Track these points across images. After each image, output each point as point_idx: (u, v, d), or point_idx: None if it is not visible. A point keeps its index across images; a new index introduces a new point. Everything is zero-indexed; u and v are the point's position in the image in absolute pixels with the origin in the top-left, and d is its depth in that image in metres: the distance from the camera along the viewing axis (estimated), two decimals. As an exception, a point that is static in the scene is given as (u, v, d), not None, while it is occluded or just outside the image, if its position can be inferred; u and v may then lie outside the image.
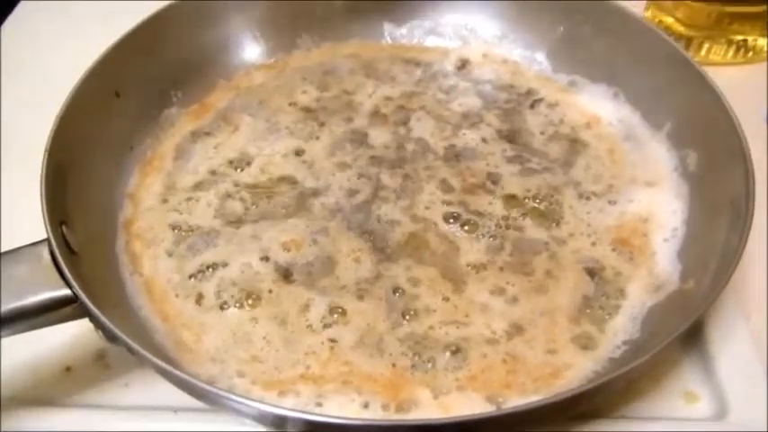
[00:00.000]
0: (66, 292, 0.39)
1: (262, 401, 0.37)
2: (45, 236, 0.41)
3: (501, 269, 0.49)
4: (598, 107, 0.60)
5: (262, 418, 0.39)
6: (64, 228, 0.43)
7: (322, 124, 0.59)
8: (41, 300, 0.39)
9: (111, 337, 0.38)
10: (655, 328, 0.45)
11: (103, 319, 0.37)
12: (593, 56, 0.61)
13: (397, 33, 0.67)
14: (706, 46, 0.70)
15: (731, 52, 0.70)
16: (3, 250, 0.41)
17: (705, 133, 0.51)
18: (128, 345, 0.37)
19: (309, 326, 0.46)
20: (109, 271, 0.48)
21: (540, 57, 0.64)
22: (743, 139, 0.47)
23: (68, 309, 0.39)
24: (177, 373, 0.36)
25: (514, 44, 0.65)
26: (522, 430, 0.40)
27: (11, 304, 0.38)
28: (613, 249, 0.50)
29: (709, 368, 0.46)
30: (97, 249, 0.48)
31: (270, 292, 0.48)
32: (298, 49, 0.66)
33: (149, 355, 0.37)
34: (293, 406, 0.42)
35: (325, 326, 0.46)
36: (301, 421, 0.37)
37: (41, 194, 0.42)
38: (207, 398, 0.39)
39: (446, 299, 0.47)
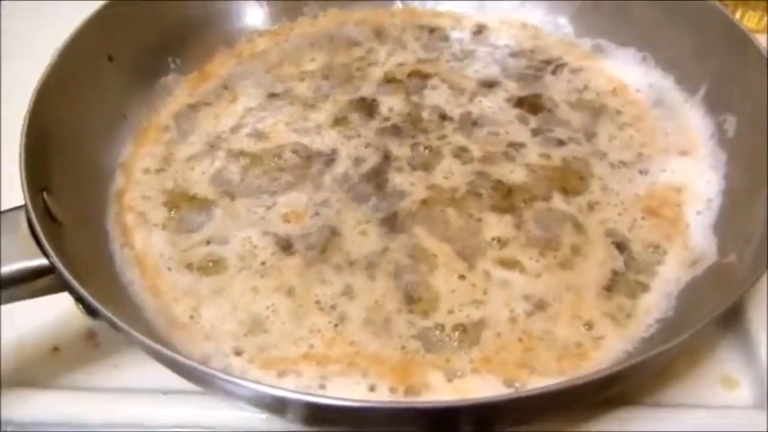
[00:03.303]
0: (44, 261, 0.36)
1: (258, 382, 0.34)
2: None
3: (524, 243, 0.45)
4: (625, 72, 0.56)
5: (258, 401, 0.35)
6: (45, 194, 0.40)
7: (329, 93, 0.56)
8: (17, 269, 0.36)
9: (91, 311, 0.35)
10: (691, 306, 0.41)
11: (82, 290, 0.34)
12: (621, 18, 0.57)
13: (409, -2, 0.63)
14: (740, 12, 0.66)
15: (765, 19, 0.66)
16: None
17: (746, 96, 0.47)
18: (109, 319, 0.34)
19: (313, 302, 0.43)
20: (97, 243, 0.45)
21: (563, 21, 0.60)
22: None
23: (46, 279, 0.36)
24: (163, 350, 0.33)
25: (535, 8, 0.61)
26: (545, 414, 0.36)
27: (-14, 273, 0.35)
28: (644, 221, 0.46)
29: (749, 351, 0.43)
30: (85, 220, 0.45)
31: (269, 265, 0.44)
32: (304, 15, 0.62)
33: (133, 331, 0.33)
34: (294, 387, 0.39)
35: (330, 303, 0.43)
36: (302, 404, 0.33)
37: (20, 158, 0.40)
38: (198, 379, 0.36)
39: (462, 276, 0.44)
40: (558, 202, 0.47)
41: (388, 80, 0.57)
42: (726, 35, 0.49)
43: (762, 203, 0.42)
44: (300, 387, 0.39)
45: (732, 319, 0.44)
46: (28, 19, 0.69)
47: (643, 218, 0.47)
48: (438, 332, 0.41)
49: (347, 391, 0.38)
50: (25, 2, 0.70)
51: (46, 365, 0.44)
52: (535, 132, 0.52)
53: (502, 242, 0.45)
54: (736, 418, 0.41)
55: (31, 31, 0.68)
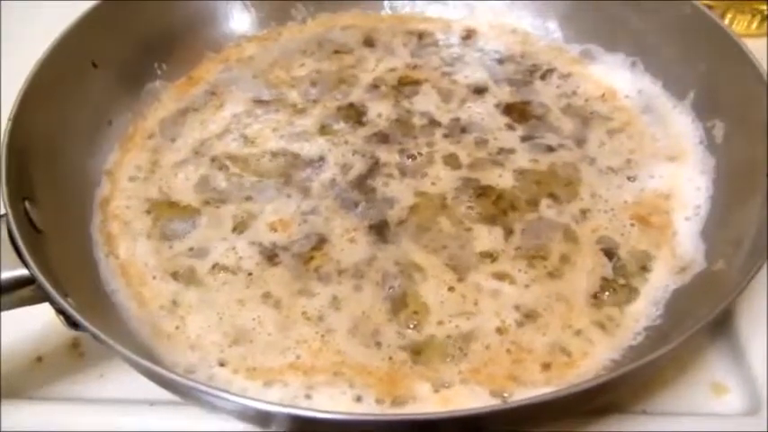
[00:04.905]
0: (24, 271, 0.35)
1: (242, 394, 0.33)
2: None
3: (514, 253, 0.45)
4: (614, 78, 0.56)
5: (242, 414, 0.35)
6: (27, 203, 0.39)
7: (318, 98, 0.56)
8: (-2, 280, 0.36)
9: (72, 323, 0.35)
10: (679, 314, 0.41)
11: (62, 301, 0.34)
12: (610, 23, 0.56)
13: (398, 3, 0.63)
14: (729, 16, 0.66)
15: (755, 23, 0.66)
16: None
17: (735, 102, 0.47)
18: (91, 331, 0.33)
19: (300, 313, 0.42)
20: (81, 252, 0.44)
21: (552, 25, 0.60)
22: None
23: (26, 290, 0.36)
24: (144, 362, 0.32)
25: (524, 12, 0.61)
26: (531, 426, 0.36)
27: (-36, 284, 0.35)
28: (633, 227, 0.46)
29: (738, 356, 0.43)
30: (69, 229, 0.44)
31: (255, 275, 0.44)
32: (292, 20, 0.62)
33: (114, 342, 0.33)
34: (280, 397, 0.38)
35: (317, 314, 0.42)
36: (286, 416, 0.32)
37: (1, 167, 0.39)
38: (180, 391, 0.35)
39: (451, 288, 0.43)
40: (547, 209, 0.47)
41: (377, 86, 0.56)
42: (714, 40, 0.49)
43: (750, 209, 0.42)
44: (287, 397, 0.38)
45: (721, 324, 0.44)
46: (28, 19, 0.69)
47: (632, 225, 0.46)
48: (426, 343, 0.41)
49: (333, 402, 0.38)
50: (25, 2, 0.70)
51: (29, 376, 0.43)
52: (524, 138, 0.52)
53: (492, 252, 0.45)
54: (727, 425, 0.40)
55: (32, 31, 0.67)
